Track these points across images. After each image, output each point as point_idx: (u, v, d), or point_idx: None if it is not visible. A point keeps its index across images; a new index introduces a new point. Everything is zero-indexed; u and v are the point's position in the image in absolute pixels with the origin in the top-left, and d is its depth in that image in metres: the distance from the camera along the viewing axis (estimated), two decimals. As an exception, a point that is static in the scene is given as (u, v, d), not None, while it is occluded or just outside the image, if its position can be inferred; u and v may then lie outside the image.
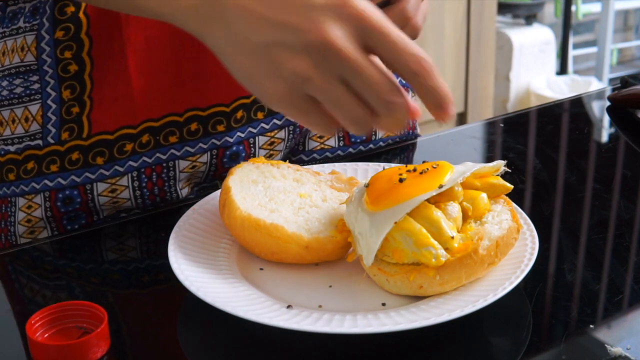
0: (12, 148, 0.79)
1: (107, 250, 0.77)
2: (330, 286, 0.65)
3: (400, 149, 0.96)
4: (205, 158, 0.83)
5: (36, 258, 0.76)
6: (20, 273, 0.75)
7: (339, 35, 0.51)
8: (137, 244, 0.78)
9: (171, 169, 0.82)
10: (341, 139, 0.92)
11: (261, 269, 0.67)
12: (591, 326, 0.61)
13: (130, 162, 0.80)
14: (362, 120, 0.54)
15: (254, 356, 0.59)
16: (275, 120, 0.85)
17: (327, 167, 0.81)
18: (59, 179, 0.79)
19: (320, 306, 0.62)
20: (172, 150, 0.81)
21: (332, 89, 0.52)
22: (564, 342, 0.59)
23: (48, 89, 0.77)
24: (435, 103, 0.53)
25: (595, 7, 3.62)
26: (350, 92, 0.53)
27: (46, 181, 0.79)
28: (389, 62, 0.53)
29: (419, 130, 1.01)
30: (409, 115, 0.53)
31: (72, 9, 0.75)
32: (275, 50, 0.52)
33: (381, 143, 0.95)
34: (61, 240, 0.78)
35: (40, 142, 0.78)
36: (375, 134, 0.94)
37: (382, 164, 0.82)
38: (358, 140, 0.94)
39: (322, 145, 0.92)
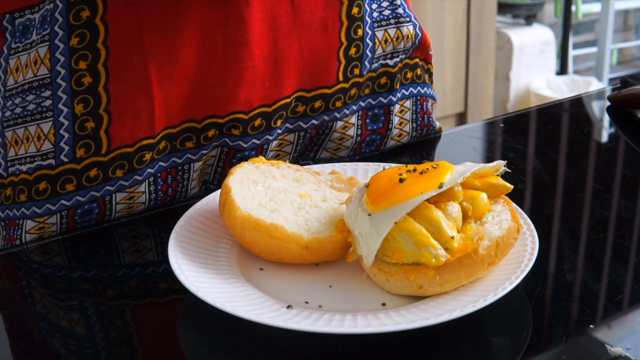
0: (24, 168, 0.76)
1: (106, 250, 0.77)
2: (330, 286, 0.65)
3: (402, 149, 0.96)
4: (214, 152, 0.83)
5: (34, 256, 0.76)
6: (11, 272, 0.75)
7: None
8: (137, 244, 0.78)
9: (186, 170, 0.82)
10: (353, 149, 0.92)
11: (261, 269, 0.67)
12: (591, 326, 0.61)
13: (148, 170, 0.79)
14: None
15: (254, 356, 0.59)
16: (287, 124, 0.85)
17: (327, 167, 0.81)
18: (77, 197, 0.77)
19: (320, 306, 0.62)
20: (188, 155, 0.81)
21: None
22: (564, 342, 0.59)
23: (60, 105, 0.74)
24: None
25: (595, 7, 3.63)
26: None
27: (63, 201, 0.77)
28: None
29: (437, 126, 1.01)
30: None
31: (87, 13, 0.72)
32: None
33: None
34: (60, 239, 0.78)
35: (52, 161, 0.75)
36: (385, 144, 0.94)
37: (382, 164, 0.82)
38: (367, 151, 0.94)
39: (334, 156, 0.92)
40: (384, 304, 0.62)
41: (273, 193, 0.71)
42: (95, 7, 0.72)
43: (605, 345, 0.58)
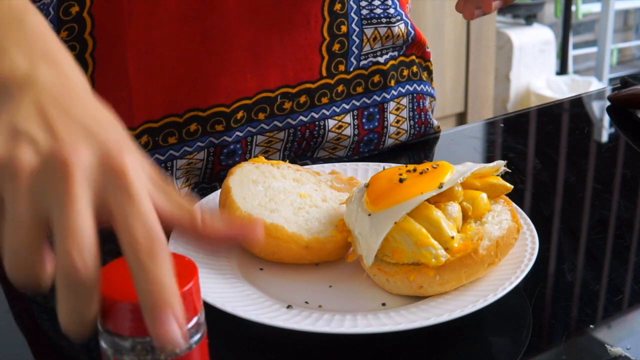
0: None
1: (107, 250, 0.77)
2: (330, 286, 0.65)
3: (402, 149, 0.96)
4: (202, 155, 0.83)
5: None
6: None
7: (82, 161, 0.40)
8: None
9: (169, 168, 0.82)
10: (351, 149, 0.92)
11: (261, 269, 0.67)
12: (591, 326, 0.61)
13: None
14: (27, 264, 0.39)
15: (254, 356, 0.59)
16: (276, 122, 0.85)
17: (327, 167, 0.81)
18: None
19: (320, 306, 0.62)
20: (171, 151, 0.81)
21: (24, 201, 0.39)
22: (564, 342, 0.59)
23: None
24: (148, 306, 0.37)
25: (595, 7, 3.63)
26: (40, 226, 0.39)
27: None
28: (116, 228, 0.40)
29: (436, 124, 1.01)
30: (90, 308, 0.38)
31: (76, 8, 0.74)
32: (19, 134, 0.41)
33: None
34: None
35: None
36: (383, 143, 0.94)
37: (382, 164, 0.82)
38: (366, 151, 0.94)
39: (332, 155, 0.92)
40: (384, 304, 0.62)
41: (273, 193, 0.71)
42: (82, 1, 0.74)
43: (605, 345, 0.58)
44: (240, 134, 0.83)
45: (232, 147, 0.84)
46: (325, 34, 0.85)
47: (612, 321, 0.63)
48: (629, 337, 0.60)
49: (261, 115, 0.84)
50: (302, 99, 0.86)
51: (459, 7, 0.80)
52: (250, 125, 0.84)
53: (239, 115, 0.82)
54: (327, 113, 0.88)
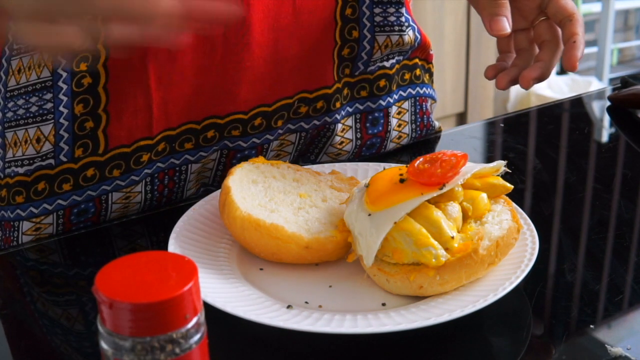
0: (21, 170, 0.76)
1: (106, 250, 0.77)
2: (330, 286, 0.65)
3: (402, 149, 0.96)
4: (214, 156, 0.83)
5: (32, 257, 0.76)
6: (9, 272, 0.75)
7: None
8: (137, 244, 0.78)
9: (183, 171, 0.82)
10: (353, 153, 0.92)
11: (261, 269, 0.67)
12: (591, 326, 0.61)
13: (146, 170, 0.79)
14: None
15: (254, 356, 0.59)
16: (289, 125, 0.85)
17: (327, 167, 0.81)
18: (74, 197, 0.77)
19: (320, 306, 0.62)
20: (187, 156, 0.81)
21: None
22: (564, 342, 0.59)
23: (60, 107, 0.74)
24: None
25: (595, 7, 3.62)
26: None
27: (60, 201, 0.77)
28: None
29: (437, 126, 1.01)
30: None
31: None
32: None
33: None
34: (60, 240, 0.78)
35: (52, 161, 0.76)
36: (385, 147, 0.94)
37: (382, 164, 0.82)
38: (368, 154, 0.94)
39: (334, 161, 0.92)
40: (384, 304, 0.62)
41: (273, 193, 0.71)
42: None
43: (606, 345, 0.58)
44: (257, 141, 0.83)
45: (246, 152, 0.83)
46: (337, 39, 0.84)
47: (612, 321, 0.63)
48: (629, 337, 0.60)
49: (280, 122, 0.84)
50: (320, 104, 0.86)
51: (488, 73, 0.81)
52: (269, 133, 0.83)
53: (257, 122, 0.82)
54: (339, 117, 0.88)
